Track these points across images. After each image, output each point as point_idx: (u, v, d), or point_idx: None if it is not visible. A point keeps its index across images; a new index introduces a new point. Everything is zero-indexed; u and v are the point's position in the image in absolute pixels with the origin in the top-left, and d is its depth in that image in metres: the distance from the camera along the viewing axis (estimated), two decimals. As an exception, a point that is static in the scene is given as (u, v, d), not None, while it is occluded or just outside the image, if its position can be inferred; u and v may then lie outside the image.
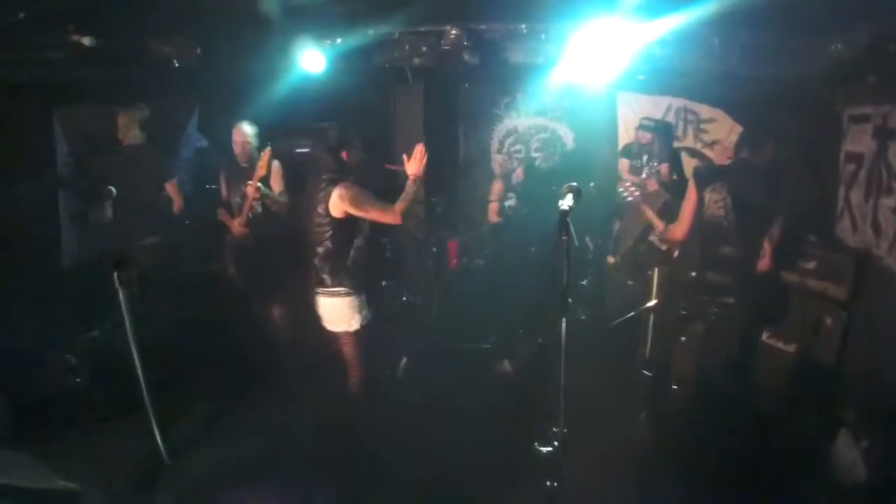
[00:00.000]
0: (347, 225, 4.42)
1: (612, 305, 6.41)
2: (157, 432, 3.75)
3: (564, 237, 3.25)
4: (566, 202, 3.32)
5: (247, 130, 5.61)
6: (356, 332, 4.53)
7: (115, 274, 3.49)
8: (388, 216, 4.35)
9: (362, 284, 4.53)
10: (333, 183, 4.34)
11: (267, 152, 5.36)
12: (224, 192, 5.77)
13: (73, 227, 5.79)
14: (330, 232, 4.41)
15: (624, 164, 6.73)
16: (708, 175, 5.03)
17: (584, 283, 6.31)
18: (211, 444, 4.80)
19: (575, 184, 3.47)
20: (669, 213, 5.62)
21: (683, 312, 5.20)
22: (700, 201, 4.84)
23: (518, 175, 6.81)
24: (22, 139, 5.30)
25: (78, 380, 5.13)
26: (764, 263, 4.79)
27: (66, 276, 5.62)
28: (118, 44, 4.90)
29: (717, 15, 4.16)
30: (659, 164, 6.37)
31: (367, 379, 4.72)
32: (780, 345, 5.24)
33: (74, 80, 5.28)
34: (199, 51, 5.35)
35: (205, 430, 4.97)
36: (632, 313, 5.89)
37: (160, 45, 5.20)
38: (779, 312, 5.28)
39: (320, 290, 4.53)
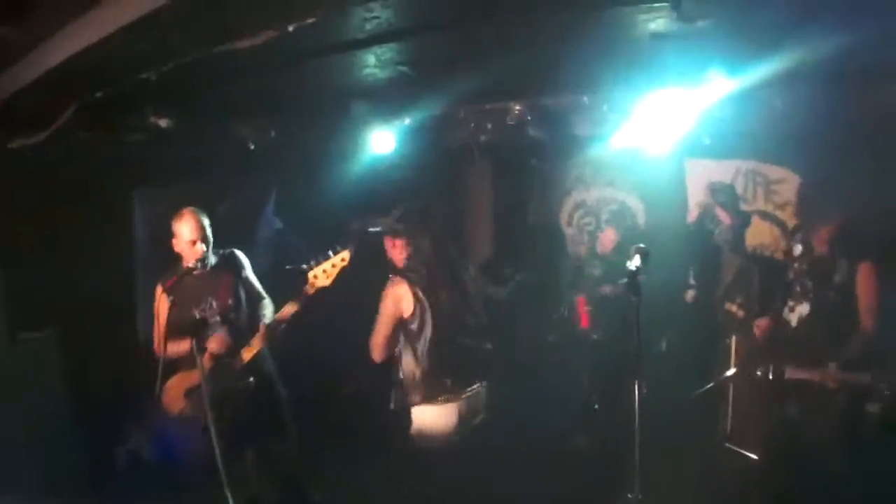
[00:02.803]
0: None
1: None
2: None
3: (634, 298, 3.27)
4: (634, 262, 3.36)
5: (201, 220, 4.34)
6: None
7: (195, 340, 3.58)
8: None
9: None
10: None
11: (346, 256, 4.01)
12: (161, 330, 3.90)
13: (147, 300, 5.90)
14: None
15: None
16: None
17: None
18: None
19: (643, 245, 3.51)
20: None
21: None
22: None
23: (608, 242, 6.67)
24: (102, 215, 5.49)
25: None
26: None
27: (140, 348, 5.71)
28: (196, 125, 5.02)
29: (777, 76, 4.14)
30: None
31: None
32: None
33: (153, 160, 5.45)
34: (273, 133, 5.56)
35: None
36: (711, 384, 5.74)
37: (237, 126, 5.41)
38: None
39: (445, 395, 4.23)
